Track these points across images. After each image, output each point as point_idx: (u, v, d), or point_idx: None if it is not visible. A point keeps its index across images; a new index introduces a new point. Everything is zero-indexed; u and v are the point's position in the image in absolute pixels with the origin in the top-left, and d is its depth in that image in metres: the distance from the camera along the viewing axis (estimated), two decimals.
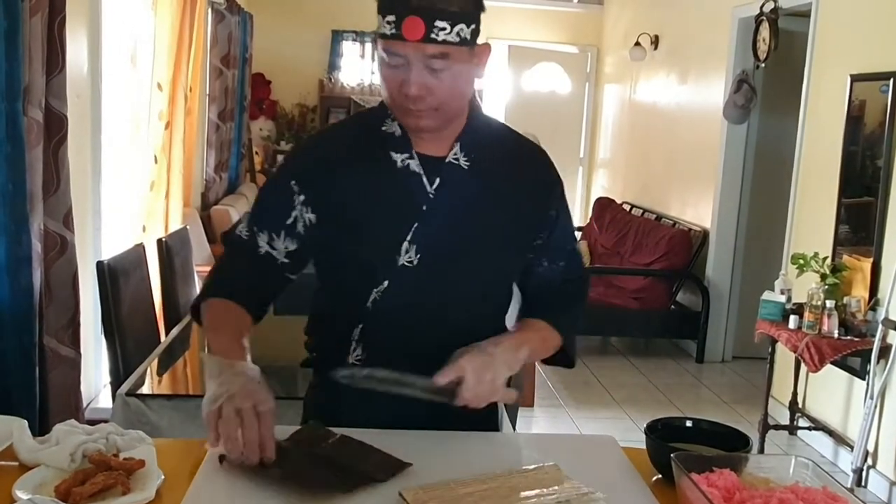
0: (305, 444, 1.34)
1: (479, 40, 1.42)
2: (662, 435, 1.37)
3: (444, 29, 1.35)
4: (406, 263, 1.45)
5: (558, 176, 1.61)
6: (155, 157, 4.73)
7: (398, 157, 1.48)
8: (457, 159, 1.49)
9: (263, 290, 1.54)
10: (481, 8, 1.42)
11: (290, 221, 1.50)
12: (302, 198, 1.49)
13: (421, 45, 1.35)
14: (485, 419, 1.56)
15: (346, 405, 1.50)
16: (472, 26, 1.39)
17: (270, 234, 1.50)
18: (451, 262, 1.48)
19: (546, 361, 1.63)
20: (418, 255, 1.45)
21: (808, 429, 4.29)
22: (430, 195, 1.46)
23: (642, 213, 6.77)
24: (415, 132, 1.47)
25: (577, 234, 8.07)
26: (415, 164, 1.47)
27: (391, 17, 1.36)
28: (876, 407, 3.65)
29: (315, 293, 1.61)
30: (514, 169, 1.55)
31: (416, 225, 1.45)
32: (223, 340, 1.41)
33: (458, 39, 1.36)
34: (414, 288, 1.47)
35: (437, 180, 1.47)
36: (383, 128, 1.50)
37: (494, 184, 1.51)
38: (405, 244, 1.45)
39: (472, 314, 1.51)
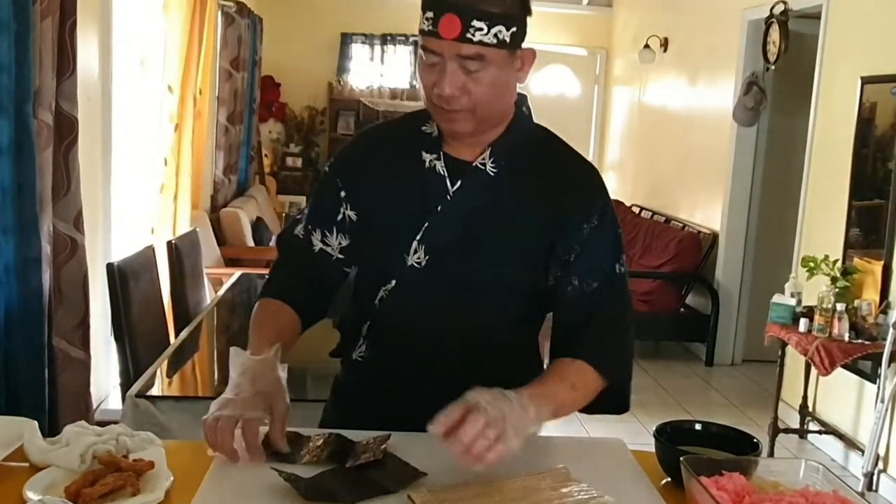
0: (323, 448, 1.34)
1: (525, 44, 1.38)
2: (671, 438, 1.37)
3: (480, 29, 1.31)
4: (414, 264, 1.44)
5: (603, 193, 1.50)
6: (165, 159, 4.75)
7: (427, 157, 1.47)
8: (483, 164, 1.45)
9: (319, 287, 1.55)
10: (527, 11, 1.38)
11: (339, 218, 1.52)
12: (343, 194, 1.51)
13: (456, 43, 1.32)
14: None
15: (361, 402, 1.53)
16: (514, 29, 1.34)
17: (323, 232, 1.53)
18: (459, 267, 1.45)
19: (587, 410, 1.45)
20: (427, 257, 1.44)
21: (819, 432, 4.27)
22: (448, 197, 1.44)
23: (651, 216, 6.76)
24: (450, 136, 1.45)
25: None
26: (440, 166, 1.46)
27: (430, 14, 1.34)
28: (887, 410, 3.63)
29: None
30: (548, 181, 1.47)
31: (426, 224, 1.43)
32: (255, 339, 1.44)
33: (495, 41, 1.33)
34: (420, 290, 1.45)
35: (459, 183, 1.45)
36: (423, 128, 1.50)
37: (520, 193, 1.45)
38: (414, 243, 1.44)
39: (482, 324, 1.48)
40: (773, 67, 5.15)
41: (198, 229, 4.03)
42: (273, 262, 1.63)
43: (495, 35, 1.32)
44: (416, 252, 1.44)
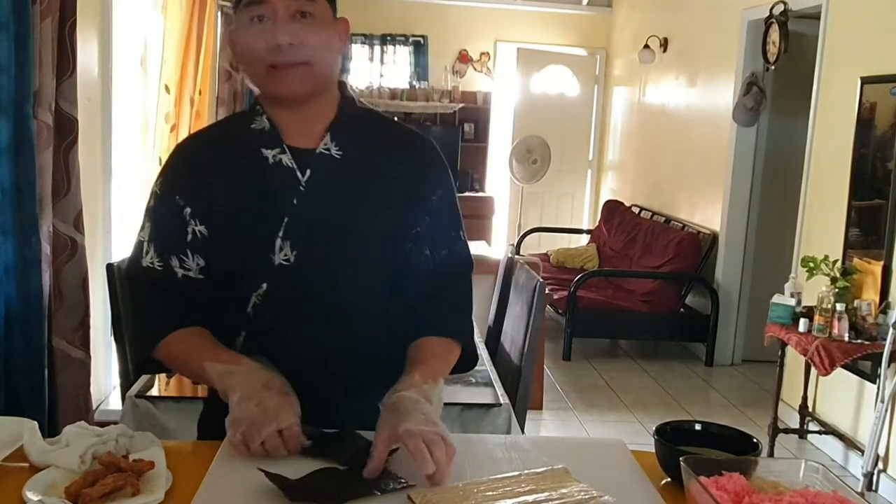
0: (329, 448, 1.33)
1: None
2: (671, 438, 1.37)
3: None
4: (283, 262, 1.41)
5: (441, 160, 1.55)
6: (160, 159, 4.75)
7: (269, 154, 1.44)
8: (328, 150, 1.45)
9: (203, 312, 1.47)
10: None
11: (189, 238, 1.44)
12: (189, 210, 1.44)
13: None
14: None
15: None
16: None
17: (179, 258, 1.45)
18: (329, 257, 1.42)
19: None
20: (294, 253, 1.41)
21: (819, 433, 4.27)
22: (301, 188, 1.42)
23: (651, 216, 6.76)
24: (284, 99, 1.43)
25: (585, 238, 7.98)
26: (287, 159, 1.44)
27: None
28: (887, 411, 3.63)
29: None
30: (391, 156, 1.50)
31: (286, 220, 1.41)
32: (216, 353, 1.40)
33: None
34: (294, 289, 1.42)
35: (308, 172, 1.43)
36: (252, 125, 1.46)
37: (369, 173, 1.47)
38: (278, 241, 1.41)
39: (363, 313, 1.46)
40: (772, 68, 5.15)
41: None
42: (140, 303, 1.49)
43: None
44: (282, 250, 1.41)
